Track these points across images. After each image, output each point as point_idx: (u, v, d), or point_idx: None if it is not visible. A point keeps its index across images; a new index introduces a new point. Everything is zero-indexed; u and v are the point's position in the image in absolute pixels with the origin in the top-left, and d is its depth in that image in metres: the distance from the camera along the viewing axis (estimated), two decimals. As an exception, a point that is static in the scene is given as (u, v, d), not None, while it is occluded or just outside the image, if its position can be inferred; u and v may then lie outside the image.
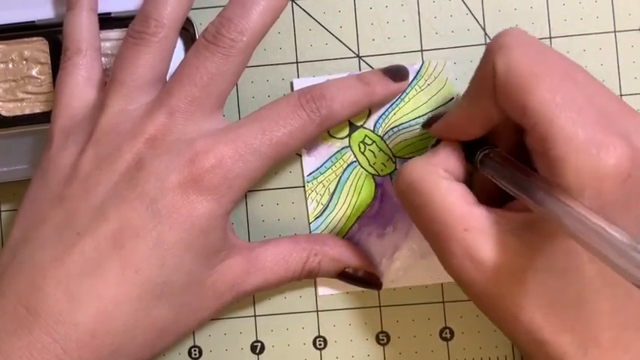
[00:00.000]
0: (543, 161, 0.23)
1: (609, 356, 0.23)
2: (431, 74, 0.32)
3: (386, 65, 0.32)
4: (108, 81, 0.29)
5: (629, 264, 0.19)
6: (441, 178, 0.26)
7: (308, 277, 0.31)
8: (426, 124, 0.29)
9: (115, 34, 0.31)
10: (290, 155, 0.32)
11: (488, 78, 0.24)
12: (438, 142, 0.29)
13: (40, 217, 0.27)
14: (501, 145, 0.27)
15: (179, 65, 0.28)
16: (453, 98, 0.32)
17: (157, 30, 0.28)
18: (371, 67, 0.33)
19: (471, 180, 0.28)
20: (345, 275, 0.31)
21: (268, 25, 0.28)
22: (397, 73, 0.31)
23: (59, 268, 0.25)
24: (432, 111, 0.32)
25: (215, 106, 0.28)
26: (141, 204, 0.26)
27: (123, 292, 0.25)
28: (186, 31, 0.31)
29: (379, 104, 0.32)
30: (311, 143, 0.32)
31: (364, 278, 0.31)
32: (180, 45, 0.31)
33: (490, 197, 0.26)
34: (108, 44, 0.32)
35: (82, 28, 0.30)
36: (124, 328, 0.25)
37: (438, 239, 0.25)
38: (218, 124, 0.28)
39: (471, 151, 0.27)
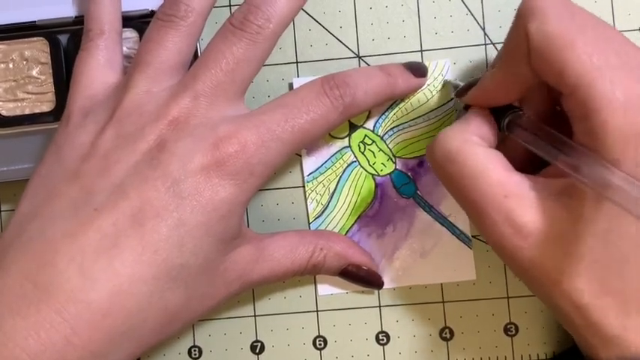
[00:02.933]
0: (582, 124, 0.23)
1: None
2: (431, 74, 0.32)
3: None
4: (132, 62, 0.29)
5: None
6: (477, 146, 0.26)
7: (312, 271, 0.31)
8: (460, 93, 0.29)
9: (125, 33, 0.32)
10: (312, 143, 0.32)
11: (521, 43, 0.24)
12: (464, 110, 0.29)
13: (52, 192, 0.26)
14: (529, 110, 0.27)
15: (204, 50, 0.28)
16: (452, 99, 0.32)
17: (186, 14, 0.28)
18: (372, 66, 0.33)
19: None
20: (347, 273, 0.31)
21: (294, 13, 0.28)
22: (417, 69, 0.32)
23: (73, 244, 0.25)
24: (432, 111, 0.32)
25: (238, 92, 0.28)
26: (163, 184, 0.26)
27: (139, 272, 0.25)
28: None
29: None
30: (311, 142, 0.32)
31: (366, 277, 0.31)
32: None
33: (519, 163, 0.26)
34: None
35: (106, 11, 0.30)
36: (137, 309, 0.25)
37: (477, 207, 0.25)
38: (240, 110, 0.28)
39: (497, 115, 0.27)
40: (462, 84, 0.31)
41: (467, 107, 0.29)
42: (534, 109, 0.28)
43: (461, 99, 0.29)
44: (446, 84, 0.32)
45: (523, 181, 0.25)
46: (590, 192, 0.23)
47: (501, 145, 0.28)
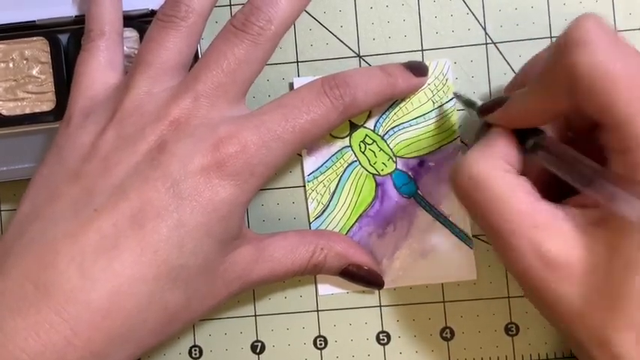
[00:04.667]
0: (621, 159, 0.23)
1: None
2: (431, 73, 0.32)
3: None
4: (133, 63, 0.29)
5: None
6: (505, 172, 0.25)
7: (313, 271, 0.31)
8: (485, 111, 0.28)
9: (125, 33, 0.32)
10: (312, 143, 0.32)
11: (564, 73, 0.23)
12: (485, 127, 0.28)
13: (53, 193, 0.27)
14: (551, 132, 0.26)
15: (206, 51, 0.28)
16: (453, 98, 0.32)
17: (187, 15, 0.28)
18: (373, 66, 0.33)
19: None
20: (347, 273, 0.31)
21: (296, 15, 0.28)
22: (418, 69, 0.31)
23: (73, 245, 0.25)
24: (432, 110, 0.32)
25: (239, 93, 0.28)
26: (163, 185, 0.26)
27: (139, 272, 0.25)
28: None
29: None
30: (311, 143, 0.32)
31: (367, 276, 0.31)
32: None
33: (541, 190, 0.25)
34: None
35: (106, 11, 0.30)
36: (137, 310, 0.25)
37: (503, 237, 0.24)
38: (240, 111, 0.28)
39: (519, 136, 0.26)
40: (471, 98, 0.30)
41: (488, 125, 0.28)
42: (555, 131, 0.27)
43: (484, 117, 0.28)
44: (456, 96, 0.32)
45: (553, 211, 0.24)
46: (624, 224, 0.23)
47: (524, 170, 0.27)
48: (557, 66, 0.24)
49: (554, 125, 0.27)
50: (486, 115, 0.28)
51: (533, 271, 0.24)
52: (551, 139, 0.26)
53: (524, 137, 0.26)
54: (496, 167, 0.25)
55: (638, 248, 0.22)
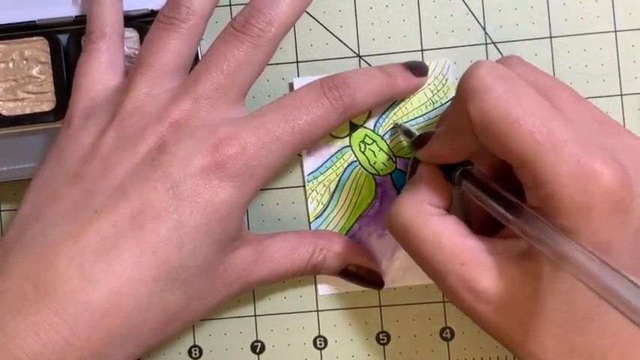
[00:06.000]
0: (534, 194, 0.23)
1: None
2: (431, 74, 0.32)
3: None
4: (133, 65, 0.29)
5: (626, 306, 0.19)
6: (430, 216, 0.26)
7: (312, 272, 0.31)
8: (414, 145, 0.29)
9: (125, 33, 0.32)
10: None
11: (464, 120, 0.24)
12: (415, 161, 0.29)
13: (54, 193, 0.27)
14: (482, 162, 0.27)
15: (206, 53, 0.28)
16: (452, 98, 0.32)
17: (187, 17, 0.28)
18: (372, 67, 0.33)
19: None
20: (347, 273, 0.31)
21: (296, 17, 0.29)
22: (417, 69, 0.31)
23: (73, 246, 0.25)
24: (432, 110, 0.32)
25: (239, 94, 0.28)
26: (162, 186, 0.26)
27: (139, 273, 0.25)
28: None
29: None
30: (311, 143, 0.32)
31: (366, 276, 0.31)
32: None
33: (480, 218, 0.27)
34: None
35: (107, 13, 0.30)
36: (137, 310, 0.25)
37: (437, 276, 0.26)
38: (240, 112, 0.28)
39: (448, 169, 0.27)
40: (412, 129, 0.31)
41: (415, 159, 0.29)
42: (487, 162, 0.27)
43: (414, 151, 0.29)
44: (396, 127, 0.32)
45: (479, 246, 0.25)
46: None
47: (461, 199, 0.28)
48: (456, 113, 0.25)
49: (487, 157, 0.27)
50: (415, 150, 0.29)
51: (467, 304, 0.25)
52: (475, 171, 0.26)
53: (452, 170, 0.27)
54: (420, 212, 0.26)
55: (555, 273, 0.23)
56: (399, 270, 0.32)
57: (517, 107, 0.23)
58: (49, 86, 0.31)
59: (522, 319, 0.24)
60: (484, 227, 0.27)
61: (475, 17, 0.32)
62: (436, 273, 0.26)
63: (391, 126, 0.32)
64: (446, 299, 0.32)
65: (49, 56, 0.31)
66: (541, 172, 0.22)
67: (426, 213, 0.26)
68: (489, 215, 0.25)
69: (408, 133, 0.31)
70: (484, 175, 0.26)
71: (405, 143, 0.32)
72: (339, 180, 0.33)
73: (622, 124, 0.32)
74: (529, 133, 0.22)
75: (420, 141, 0.28)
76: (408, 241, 0.26)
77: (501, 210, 0.24)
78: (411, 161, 0.30)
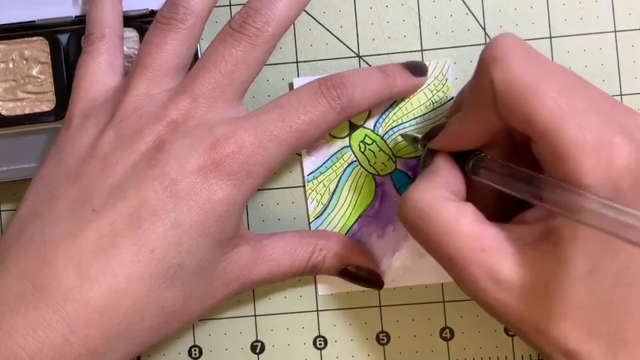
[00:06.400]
0: (554, 168, 0.23)
1: (638, 354, 0.23)
2: (431, 73, 0.32)
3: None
4: (132, 65, 0.29)
5: None
6: (449, 202, 0.25)
7: (312, 272, 0.31)
8: (428, 137, 0.28)
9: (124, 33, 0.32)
10: (310, 143, 0.32)
11: (486, 91, 0.24)
12: (428, 154, 0.28)
13: (53, 193, 0.27)
14: (494, 151, 0.27)
15: (204, 53, 0.28)
16: (452, 98, 0.32)
17: (185, 17, 0.28)
18: (371, 67, 0.33)
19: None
20: (347, 273, 0.31)
21: (294, 17, 0.29)
22: (416, 68, 0.31)
23: (71, 244, 0.25)
24: (432, 111, 0.32)
25: (237, 94, 0.28)
26: (160, 184, 0.26)
27: (136, 271, 0.25)
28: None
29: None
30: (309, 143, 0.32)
31: (366, 276, 0.31)
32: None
33: (488, 212, 0.26)
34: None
35: (107, 14, 0.30)
36: (134, 309, 0.25)
37: (454, 264, 0.25)
38: (238, 112, 0.28)
39: (460, 160, 0.27)
40: (419, 136, 0.30)
41: (431, 151, 0.28)
42: (498, 149, 0.27)
43: (428, 144, 0.28)
44: (403, 138, 0.32)
45: (499, 233, 0.25)
46: (566, 234, 0.23)
47: (469, 194, 0.27)
48: (479, 84, 0.24)
49: (501, 143, 0.27)
50: (430, 142, 0.28)
51: (488, 293, 0.24)
52: (489, 158, 0.26)
53: (465, 161, 0.27)
54: (439, 197, 0.25)
55: (574, 255, 0.23)
56: (399, 270, 0.32)
57: (541, 73, 0.23)
58: (49, 86, 0.31)
59: (544, 306, 0.24)
60: (494, 217, 0.26)
61: (475, 17, 0.32)
62: (454, 261, 0.24)
63: (395, 132, 0.32)
64: (446, 299, 0.32)
65: (49, 56, 0.31)
66: (563, 143, 0.22)
67: (444, 199, 0.25)
68: (500, 204, 0.25)
69: (415, 139, 0.31)
70: (500, 159, 0.26)
71: (413, 148, 0.32)
72: (339, 180, 0.33)
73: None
74: (552, 99, 0.22)
75: (432, 132, 0.28)
76: (423, 229, 0.25)
77: (528, 187, 0.23)
78: (422, 157, 0.29)
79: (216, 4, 0.32)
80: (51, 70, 0.31)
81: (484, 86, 0.24)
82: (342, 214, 0.33)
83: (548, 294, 0.24)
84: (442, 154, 0.28)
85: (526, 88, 0.23)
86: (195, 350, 0.33)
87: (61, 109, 0.31)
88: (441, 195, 0.25)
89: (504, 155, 0.27)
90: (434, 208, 0.25)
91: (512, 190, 0.24)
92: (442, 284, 0.32)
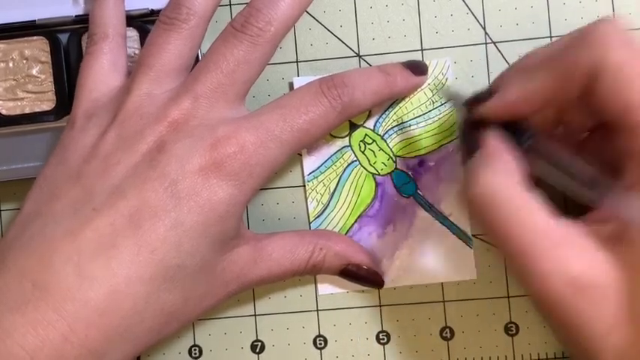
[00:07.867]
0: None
1: None
2: (431, 73, 0.32)
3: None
4: (135, 65, 0.29)
5: None
6: (521, 191, 0.24)
7: (312, 272, 0.31)
8: (476, 101, 0.27)
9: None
10: (311, 143, 0.32)
11: (588, 65, 0.23)
12: (470, 125, 0.27)
13: (55, 192, 0.27)
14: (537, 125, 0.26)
15: (206, 53, 0.28)
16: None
17: (188, 17, 0.28)
18: (371, 66, 0.33)
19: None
20: (347, 272, 0.31)
21: (296, 17, 0.29)
22: (417, 67, 0.31)
23: (71, 244, 0.25)
24: (432, 110, 0.32)
25: (239, 94, 0.28)
26: (160, 185, 0.26)
27: (136, 272, 0.25)
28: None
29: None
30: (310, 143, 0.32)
31: (366, 276, 0.31)
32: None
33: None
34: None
35: (110, 14, 0.30)
36: (134, 310, 0.25)
37: (524, 258, 0.23)
38: (240, 112, 0.28)
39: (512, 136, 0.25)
40: (456, 91, 0.29)
41: (473, 123, 0.27)
42: (540, 125, 0.26)
43: (474, 109, 0.27)
44: (444, 92, 0.31)
45: (573, 229, 0.23)
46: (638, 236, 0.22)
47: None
48: (580, 57, 0.23)
49: (541, 117, 0.26)
50: (477, 106, 0.27)
51: (557, 292, 0.23)
52: (545, 144, 0.25)
53: (518, 139, 0.25)
54: (510, 186, 0.24)
55: None
56: (399, 270, 0.32)
57: None
58: (49, 86, 0.31)
59: (610, 310, 0.22)
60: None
61: (475, 17, 0.32)
62: (524, 254, 0.23)
63: (395, 132, 0.32)
64: (446, 299, 0.32)
65: (49, 56, 0.31)
66: None
67: (513, 186, 0.24)
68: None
69: (454, 95, 0.29)
70: (557, 146, 0.25)
71: (452, 105, 0.31)
72: (339, 180, 0.33)
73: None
74: None
75: (485, 94, 0.26)
76: (492, 217, 0.24)
77: (590, 192, 0.22)
78: (461, 126, 0.27)
79: (224, 4, 0.32)
80: (51, 70, 0.31)
81: (586, 61, 0.23)
82: (343, 214, 0.33)
83: (616, 297, 0.23)
84: (495, 133, 0.26)
85: (630, 76, 0.22)
86: (195, 350, 0.33)
87: (61, 109, 0.31)
88: (512, 183, 0.24)
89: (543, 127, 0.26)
90: (505, 196, 0.24)
91: (575, 193, 0.23)
92: (442, 284, 0.32)
